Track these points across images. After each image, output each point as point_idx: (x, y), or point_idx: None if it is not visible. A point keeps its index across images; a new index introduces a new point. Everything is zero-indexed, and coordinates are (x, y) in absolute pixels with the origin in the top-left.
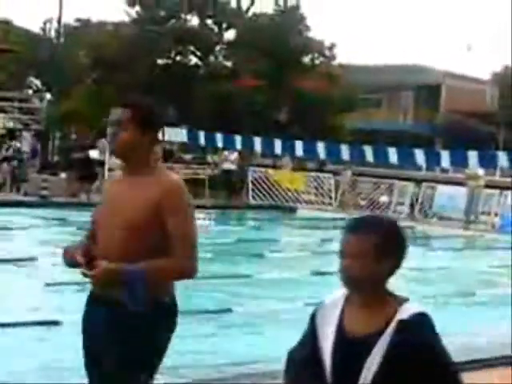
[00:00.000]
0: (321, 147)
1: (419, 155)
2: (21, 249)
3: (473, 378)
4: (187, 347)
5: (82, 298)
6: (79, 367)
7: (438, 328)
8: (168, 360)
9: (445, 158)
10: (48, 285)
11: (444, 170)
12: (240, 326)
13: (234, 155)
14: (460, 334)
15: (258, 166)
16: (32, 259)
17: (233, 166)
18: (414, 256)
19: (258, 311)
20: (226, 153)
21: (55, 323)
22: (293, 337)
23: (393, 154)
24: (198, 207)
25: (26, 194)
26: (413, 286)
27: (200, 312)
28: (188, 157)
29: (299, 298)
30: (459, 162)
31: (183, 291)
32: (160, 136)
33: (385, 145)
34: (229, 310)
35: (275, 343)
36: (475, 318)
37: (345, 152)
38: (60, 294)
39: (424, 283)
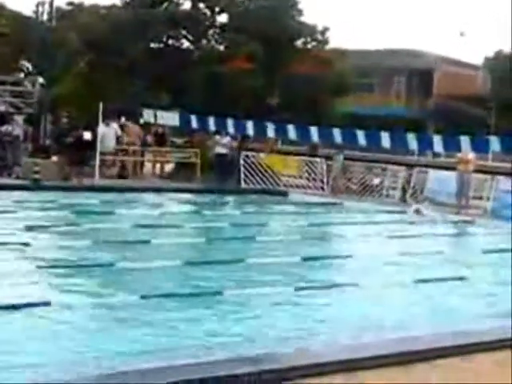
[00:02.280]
0: (313, 131)
1: (411, 140)
2: (12, 233)
3: (472, 362)
4: (179, 329)
5: (72, 280)
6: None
7: (441, 312)
8: (162, 340)
9: (437, 142)
10: (39, 267)
11: (436, 155)
12: (230, 310)
13: (226, 139)
14: (456, 318)
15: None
16: (24, 243)
17: (225, 150)
18: (407, 241)
19: (248, 295)
20: (217, 137)
21: (46, 304)
22: (282, 321)
23: (385, 139)
24: (190, 191)
25: (17, 178)
26: (406, 271)
27: (191, 295)
28: (180, 141)
29: (289, 282)
30: (451, 146)
31: (176, 274)
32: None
33: (377, 129)
34: (219, 293)
35: (264, 327)
36: (472, 302)
37: (337, 136)
38: (51, 277)
39: (418, 268)
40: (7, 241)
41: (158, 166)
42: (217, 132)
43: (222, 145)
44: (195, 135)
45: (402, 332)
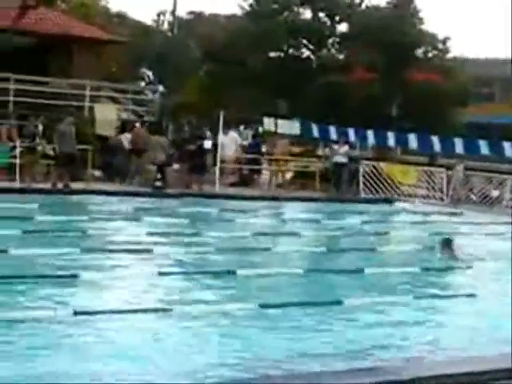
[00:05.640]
0: (435, 141)
1: None
2: (135, 239)
3: None
4: (296, 338)
5: (193, 286)
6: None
7: None
8: (279, 348)
9: None
10: (161, 274)
11: None
12: (349, 319)
13: (345, 148)
14: None
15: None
16: (146, 249)
17: (344, 159)
18: None
19: (367, 304)
20: (335, 146)
21: (167, 310)
22: (400, 331)
23: (508, 148)
24: (309, 200)
25: (139, 185)
26: None
27: (310, 304)
28: (298, 150)
29: (409, 292)
30: None
31: (296, 283)
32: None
33: (498, 139)
34: (339, 303)
35: (383, 338)
36: None
37: (459, 145)
38: (172, 283)
39: None
40: (131, 247)
41: (276, 174)
42: (336, 141)
43: (341, 154)
44: (313, 144)
45: None
